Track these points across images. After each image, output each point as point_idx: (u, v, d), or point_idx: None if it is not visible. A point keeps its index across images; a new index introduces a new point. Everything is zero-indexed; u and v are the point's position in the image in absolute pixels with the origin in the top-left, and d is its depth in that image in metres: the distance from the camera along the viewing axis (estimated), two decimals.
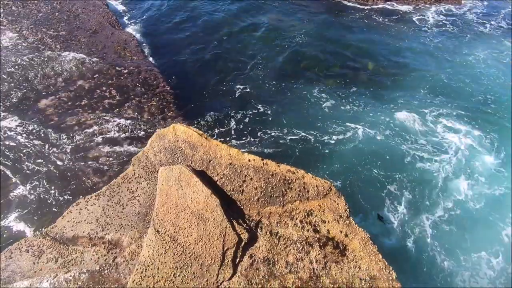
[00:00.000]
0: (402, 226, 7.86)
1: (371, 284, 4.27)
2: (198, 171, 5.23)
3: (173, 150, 5.40)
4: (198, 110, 9.76)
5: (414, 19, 14.61)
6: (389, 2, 15.09)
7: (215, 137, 9.27)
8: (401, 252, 7.36)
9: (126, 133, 8.31)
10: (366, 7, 15.02)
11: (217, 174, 5.22)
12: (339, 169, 8.85)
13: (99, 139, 8.22)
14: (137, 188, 5.16)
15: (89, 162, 7.62)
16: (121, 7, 14.85)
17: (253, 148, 8.86)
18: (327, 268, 4.44)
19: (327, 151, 9.22)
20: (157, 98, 9.71)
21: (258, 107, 9.86)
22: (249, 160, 5.32)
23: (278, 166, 5.34)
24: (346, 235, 4.73)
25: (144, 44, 12.51)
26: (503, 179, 8.82)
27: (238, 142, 9.18)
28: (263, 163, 5.31)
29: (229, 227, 4.52)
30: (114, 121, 8.70)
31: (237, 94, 10.23)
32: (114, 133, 8.31)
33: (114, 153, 7.77)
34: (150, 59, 11.57)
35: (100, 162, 7.68)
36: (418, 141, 9.60)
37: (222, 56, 11.94)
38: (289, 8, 14.83)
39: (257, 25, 13.63)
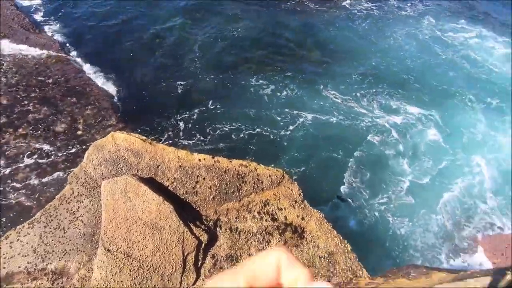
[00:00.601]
0: (360, 203, 8.48)
1: (329, 260, 4.53)
2: (146, 179, 4.94)
3: (115, 160, 5.01)
4: (140, 114, 9.19)
5: (345, 3, 15.50)
6: None
7: (163, 140, 8.87)
8: (362, 227, 7.93)
9: (59, 150, 7.48)
10: None
11: (168, 179, 5.00)
12: (294, 156, 9.15)
13: (27, 160, 7.27)
14: (79, 207, 4.69)
15: (17, 188, 6.70)
16: (34, 6, 13.06)
17: (205, 146, 8.68)
18: None
19: (278, 139, 9.45)
20: (92, 106, 8.90)
21: (203, 103, 9.62)
22: (200, 160, 5.19)
23: (230, 162, 5.30)
24: (303, 218, 4.92)
25: (68, 47, 11.27)
26: (446, 151, 9.93)
27: (189, 142, 8.90)
28: (215, 161, 5.22)
29: (186, 231, 4.37)
30: (42, 137, 7.76)
31: (179, 91, 9.85)
32: (44, 151, 7.42)
33: (46, 174, 6.95)
34: (78, 63, 10.50)
35: (30, 186, 6.80)
36: (362, 122, 10.36)
37: (158, 52, 11.33)
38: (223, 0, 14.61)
39: (191, 19, 13.18)
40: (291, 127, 9.74)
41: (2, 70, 9.30)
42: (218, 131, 9.34)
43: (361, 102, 10.87)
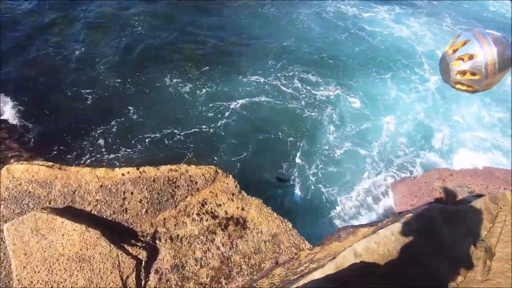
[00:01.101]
0: (297, 179, 8.95)
1: (274, 241, 4.69)
2: (61, 209, 4.36)
3: (17, 197, 4.29)
4: (50, 137, 8.03)
5: None
6: None
7: (84, 161, 7.93)
8: (301, 202, 8.40)
9: None
10: None
11: (89, 203, 4.50)
12: (233, 145, 9.14)
13: None
14: None
15: None
16: None
17: (137, 159, 8.02)
18: (234, 246, 4.60)
19: (213, 133, 9.30)
20: None
21: (120, 112, 8.86)
22: (123, 174, 4.79)
23: (157, 169, 5.01)
24: (243, 209, 4.97)
25: None
26: (366, 116, 11.00)
27: (114, 157, 8.14)
28: (140, 172, 4.88)
29: (120, 254, 4.03)
30: None
31: (89, 103, 8.85)
32: None
33: None
34: None
35: None
36: (287, 99, 10.83)
37: (52, 59, 9.95)
38: None
39: (89, 17, 11.86)
40: (223, 119, 9.69)
41: None
42: (147, 140, 8.76)
43: (283, 81, 11.37)
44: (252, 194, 5.06)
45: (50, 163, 4.71)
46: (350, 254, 2.28)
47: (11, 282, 3.91)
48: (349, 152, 9.85)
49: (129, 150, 8.17)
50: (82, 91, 9.09)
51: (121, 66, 10.22)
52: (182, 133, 9.07)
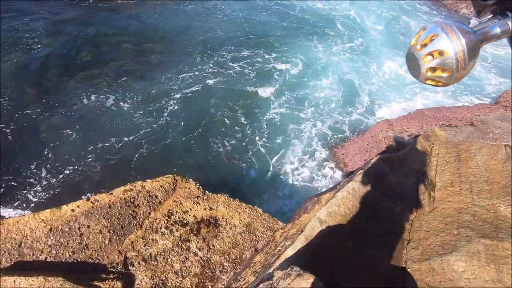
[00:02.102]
0: (252, 158, 9.10)
1: (249, 231, 4.75)
2: (10, 267, 3.88)
3: None
4: None
5: None
6: None
7: (27, 208, 7.06)
8: (261, 182, 8.56)
9: None
10: None
11: (41, 252, 4.06)
12: (183, 144, 8.86)
13: None
14: None
15: None
16: None
17: (80, 188, 7.35)
18: (211, 247, 4.56)
19: (152, 138, 8.88)
20: None
21: (47, 140, 8.02)
22: (73, 210, 4.39)
23: (110, 194, 4.69)
24: (211, 209, 4.92)
25: None
26: (304, 83, 11.42)
27: (55, 193, 7.34)
28: (92, 202, 4.51)
29: None
30: None
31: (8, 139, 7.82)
32: None
33: None
34: None
35: None
36: (223, 83, 10.79)
37: None
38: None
39: None
40: (160, 119, 9.31)
41: None
42: (81, 165, 8.02)
43: (215, 67, 11.33)
44: (215, 185, 5.02)
45: None
46: (316, 223, 2.41)
47: None
48: (292, 119, 10.31)
49: (70, 177, 7.48)
50: None
51: (36, 88, 9.16)
52: (122, 146, 8.53)
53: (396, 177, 3.16)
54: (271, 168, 8.82)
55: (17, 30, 11.03)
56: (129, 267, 4.28)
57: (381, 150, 7.78)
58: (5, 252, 3.93)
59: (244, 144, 9.27)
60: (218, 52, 11.99)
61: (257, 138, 9.49)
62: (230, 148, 9.13)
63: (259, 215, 4.94)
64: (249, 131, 9.65)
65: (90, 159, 8.00)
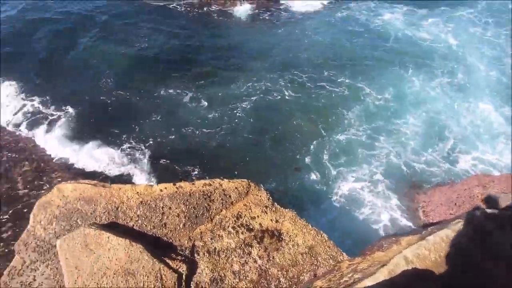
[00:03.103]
0: (312, 169, 8.92)
1: (311, 254, 4.63)
2: (107, 225, 4.60)
3: (67, 214, 4.59)
4: (86, 156, 8.53)
5: (263, 17, 16.16)
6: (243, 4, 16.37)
7: (134, 178, 8.19)
8: (331, 212, 8.23)
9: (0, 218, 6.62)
10: (227, 10, 15.87)
11: (131, 219, 4.71)
12: (249, 151, 9.19)
13: None
14: (35, 277, 4.19)
15: None
16: None
17: (187, 175, 8.19)
18: (271, 258, 4.59)
19: (224, 138, 9.35)
20: (31, 162, 8.08)
21: (138, 119, 9.37)
22: (161, 190, 4.99)
23: (192, 184, 5.18)
24: (277, 221, 4.98)
25: None
26: (387, 113, 10.75)
27: (159, 175, 8.29)
28: (177, 187, 5.06)
29: (162, 267, 4.15)
30: None
31: (109, 113, 9.28)
32: None
33: None
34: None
35: None
36: (302, 98, 10.89)
37: (72, 75, 10.68)
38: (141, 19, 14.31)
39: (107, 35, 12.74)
40: (234, 121, 9.83)
41: None
42: (161, 141, 9.00)
43: (294, 83, 11.51)
44: (277, 190, 5.07)
45: (94, 181, 5.02)
46: (401, 260, 2.24)
47: None
48: (364, 145, 9.72)
49: (151, 149, 8.49)
50: (107, 108, 9.68)
51: (125, 78, 10.85)
52: (195, 135, 9.28)
53: (503, 237, 2.72)
54: (332, 187, 8.53)
55: (130, 29, 13.27)
56: (195, 255, 4.60)
57: (474, 207, 6.72)
58: (106, 211, 4.69)
59: (310, 157, 9.20)
60: (298, 70, 12.26)
61: (324, 154, 9.34)
62: (297, 158, 9.15)
63: (324, 241, 4.78)
64: (318, 146, 9.54)
65: (170, 138, 9.04)
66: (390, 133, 10.36)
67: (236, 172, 8.54)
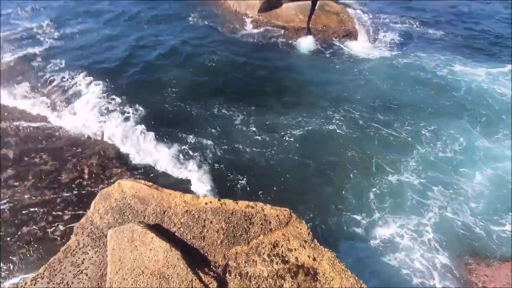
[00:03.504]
0: (355, 206, 8.36)
1: None
2: (152, 225, 4.88)
3: (121, 208, 5.00)
4: (145, 158, 9.27)
5: (323, 53, 16.44)
6: (309, 39, 17.04)
7: (185, 183, 8.67)
8: (371, 258, 7.58)
9: (63, 200, 7.46)
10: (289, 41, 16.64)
11: (174, 225, 4.94)
12: (293, 179, 9.04)
13: (31, 210, 7.22)
14: (83, 260, 4.57)
15: (20, 240, 6.57)
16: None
17: (228, 192, 8.48)
18: None
19: (269, 164, 9.32)
20: (97, 156, 9.07)
21: (192, 126, 10.00)
22: (206, 203, 5.18)
23: (236, 203, 5.28)
24: (314, 259, 4.76)
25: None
26: (448, 166, 9.88)
27: (207, 186, 8.65)
28: (221, 203, 5.21)
29: (195, 279, 4.21)
30: (47, 189, 7.79)
31: (190, 138, 9.95)
32: (49, 202, 7.40)
33: (51, 226, 6.85)
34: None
35: (35, 238, 6.66)
36: (352, 138, 10.51)
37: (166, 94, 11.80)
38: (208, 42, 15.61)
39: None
40: (281, 148, 9.80)
41: (9, 122, 9.69)
42: (215, 151, 9.36)
43: (347, 121, 11.14)
44: (313, 222, 4.84)
45: (150, 183, 5.43)
46: None
47: (102, 283, 4.41)
48: (416, 191, 8.84)
49: (203, 170, 8.88)
50: (170, 107, 10.52)
51: (187, 94, 11.70)
52: (244, 153, 9.47)
53: None
54: (372, 228, 7.85)
55: (198, 52, 14.50)
56: (226, 274, 4.59)
57: None
58: (154, 212, 5.00)
59: (355, 194, 8.70)
60: (352, 108, 11.97)
61: (371, 193, 8.76)
62: (341, 192, 8.74)
63: None
64: (366, 184, 8.99)
65: (221, 151, 9.42)
66: (449, 186, 9.39)
67: (277, 195, 8.49)
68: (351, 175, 9.37)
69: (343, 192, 8.88)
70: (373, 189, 9.02)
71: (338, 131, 10.92)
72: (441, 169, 9.90)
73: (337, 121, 11.38)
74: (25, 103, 10.47)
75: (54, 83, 11.43)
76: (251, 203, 5.29)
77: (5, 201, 7.39)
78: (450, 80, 14.25)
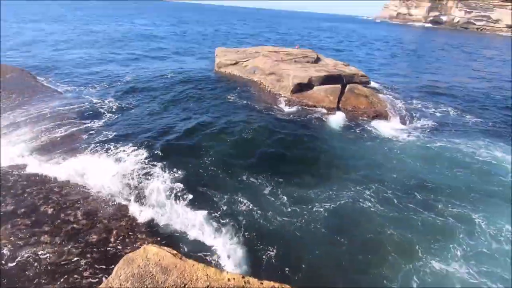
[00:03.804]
0: None
1: None
2: None
3: (142, 276, 4.81)
4: (175, 223, 9.22)
5: (353, 130, 16.84)
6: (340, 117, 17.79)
7: (211, 250, 8.35)
8: None
9: (89, 262, 7.40)
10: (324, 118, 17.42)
11: None
12: (320, 258, 8.18)
13: (54, 269, 7.17)
14: None
15: None
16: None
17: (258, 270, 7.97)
18: None
19: (301, 240, 8.66)
20: (127, 218, 9.23)
21: (225, 193, 9.86)
22: (229, 280, 4.84)
23: (261, 283, 4.87)
24: None
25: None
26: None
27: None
28: (245, 282, 4.83)
29: None
30: (74, 247, 7.86)
31: (221, 209, 10.00)
32: (75, 263, 7.36)
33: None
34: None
35: None
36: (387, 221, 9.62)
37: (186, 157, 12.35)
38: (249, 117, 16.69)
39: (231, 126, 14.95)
40: (309, 224, 9.15)
41: (53, 183, 10.47)
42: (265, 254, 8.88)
43: (384, 201, 10.40)
44: None
45: (175, 251, 5.30)
46: None
47: None
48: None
49: (231, 236, 8.47)
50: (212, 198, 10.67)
51: (222, 160, 12.13)
52: (270, 227, 8.95)
53: None
54: None
55: (238, 127, 15.46)
56: None
57: None
58: (174, 285, 4.73)
59: (393, 280, 7.52)
60: (385, 186, 11.35)
61: (414, 282, 7.53)
62: (376, 275, 7.62)
63: None
64: (406, 270, 7.81)
65: (249, 218, 9.09)
66: (507, 282, 7.95)
67: (306, 274, 7.67)
68: (389, 257, 8.41)
69: (379, 277, 7.85)
70: (415, 278, 7.90)
71: (372, 208, 10.32)
72: (496, 263, 8.58)
73: (370, 198, 10.86)
74: (69, 165, 11.37)
75: (99, 151, 12.57)
76: (278, 285, 4.84)
77: (32, 254, 7.50)
78: (494, 165, 13.49)
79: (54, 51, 31.95)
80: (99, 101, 17.50)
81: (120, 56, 32.11)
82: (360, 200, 10.70)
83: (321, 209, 10.06)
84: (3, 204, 9.27)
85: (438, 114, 19.89)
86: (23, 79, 19.65)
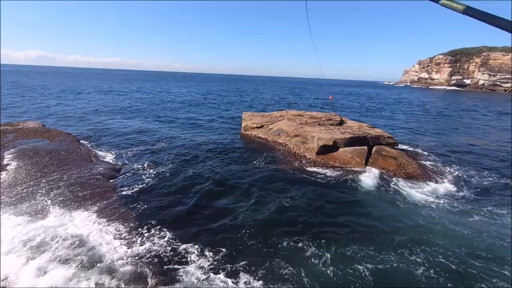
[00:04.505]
0: None
1: None
2: None
3: None
4: None
5: (387, 189, 16.09)
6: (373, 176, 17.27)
7: None
8: None
9: None
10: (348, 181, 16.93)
11: None
12: None
13: None
14: None
15: None
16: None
17: None
18: None
19: None
20: None
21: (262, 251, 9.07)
22: None
23: None
24: None
25: None
26: None
27: None
28: None
29: None
30: None
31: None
32: None
33: None
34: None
35: None
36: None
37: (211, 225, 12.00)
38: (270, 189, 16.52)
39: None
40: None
41: None
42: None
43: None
44: None
45: None
46: None
47: None
48: None
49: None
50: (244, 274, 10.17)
51: (259, 230, 11.58)
52: None
53: None
54: None
55: (271, 195, 15.29)
56: None
57: None
58: None
59: None
60: (433, 251, 10.25)
61: None
62: None
63: None
64: None
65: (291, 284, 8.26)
66: None
67: None
68: None
69: None
70: None
71: (425, 273, 9.29)
72: None
73: (417, 264, 9.87)
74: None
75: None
76: None
77: None
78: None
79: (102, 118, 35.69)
80: (139, 167, 18.20)
81: (178, 121, 35.07)
82: (408, 265, 9.83)
83: (367, 273, 9.27)
84: None
85: (475, 177, 18.68)
86: (69, 143, 21.68)
